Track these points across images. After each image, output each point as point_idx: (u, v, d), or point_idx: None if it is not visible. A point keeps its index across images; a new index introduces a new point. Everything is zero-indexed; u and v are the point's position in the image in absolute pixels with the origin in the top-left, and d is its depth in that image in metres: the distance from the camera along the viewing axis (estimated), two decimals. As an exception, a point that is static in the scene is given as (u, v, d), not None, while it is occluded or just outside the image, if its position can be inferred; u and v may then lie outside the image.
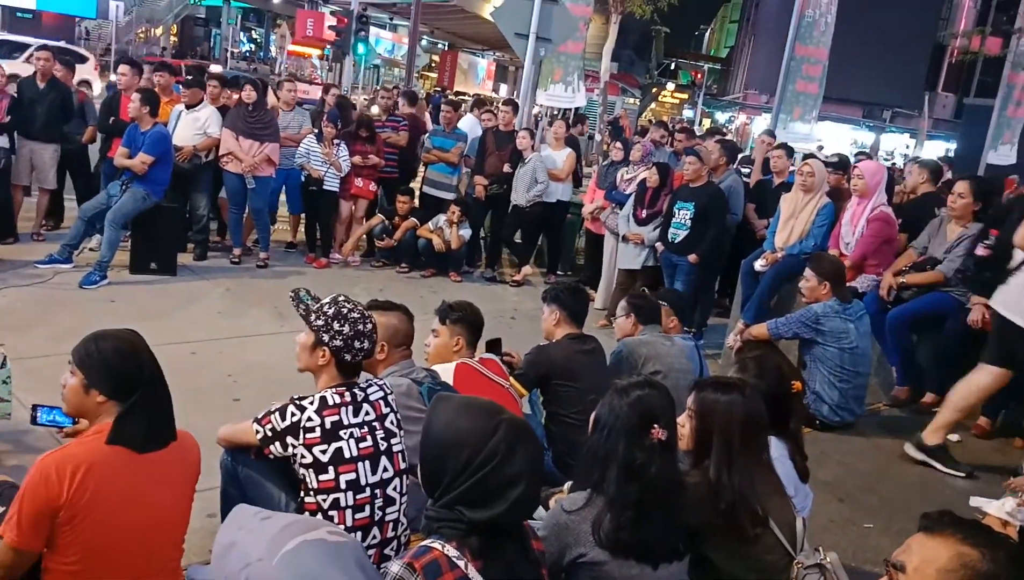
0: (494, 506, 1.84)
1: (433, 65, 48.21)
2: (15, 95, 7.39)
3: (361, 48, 21.27)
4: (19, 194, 7.66)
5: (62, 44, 21.34)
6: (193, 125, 7.65)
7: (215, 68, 23.90)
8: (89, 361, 2.30)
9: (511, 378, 3.84)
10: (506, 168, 8.53)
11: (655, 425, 2.24)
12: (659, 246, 7.23)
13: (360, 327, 2.66)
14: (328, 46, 24.40)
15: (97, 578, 2.22)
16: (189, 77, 9.30)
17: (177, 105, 7.82)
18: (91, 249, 7.18)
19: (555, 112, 19.81)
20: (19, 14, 32.64)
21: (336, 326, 2.64)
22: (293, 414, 2.58)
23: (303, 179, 8.14)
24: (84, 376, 2.30)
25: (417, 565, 1.75)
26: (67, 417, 2.61)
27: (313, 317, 2.66)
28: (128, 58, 9.35)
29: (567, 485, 2.87)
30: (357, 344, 2.66)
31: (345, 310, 2.67)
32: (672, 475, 2.31)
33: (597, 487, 2.28)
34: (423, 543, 1.82)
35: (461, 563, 1.77)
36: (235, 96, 7.88)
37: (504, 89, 49.65)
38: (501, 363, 3.84)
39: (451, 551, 1.79)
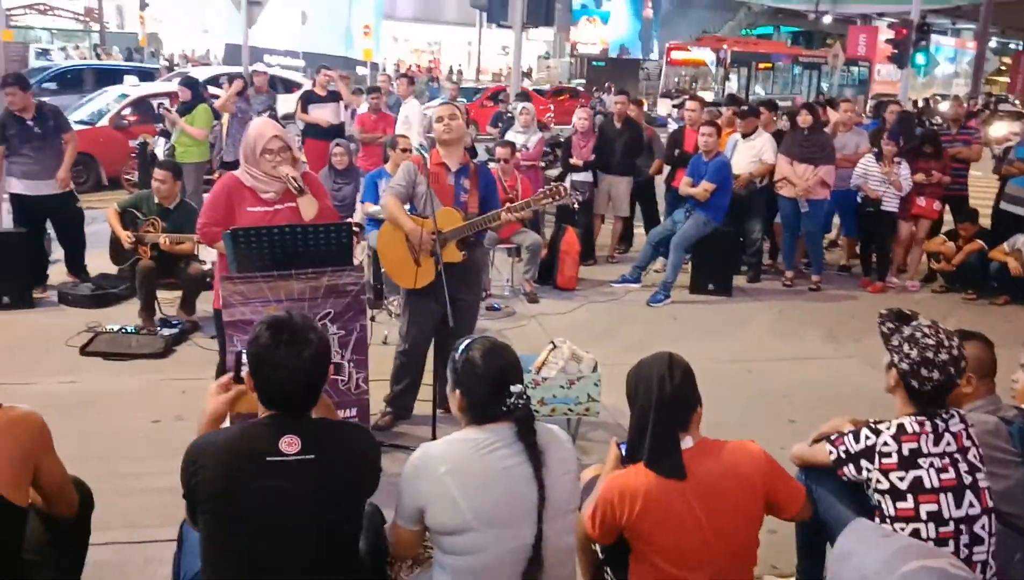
0: None
1: (1003, 69, 42.81)
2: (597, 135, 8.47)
3: (921, 58, 19.82)
4: (598, 222, 8.76)
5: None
6: (749, 153, 7.91)
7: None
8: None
9: None
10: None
11: None
12: None
13: (930, 355, 2.49)
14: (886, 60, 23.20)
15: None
16: (745, 108, 9.64)
17: (733, 134, 8.18)
18: (656, 271, 7.87)
19: None
20: (595, 64, 37.71)
21: (905, 349, 2.52)
22: (868, 437, 2.52)
23: (859, 200, 7.87)
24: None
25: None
26: None
27: (894, 337, 2.56)
28: (694, 95, 10.07)
29: None
30: (924, 371, 2.49)
31: (920, 334, 2.52)
32: None
33: None
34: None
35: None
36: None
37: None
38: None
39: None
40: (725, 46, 28.52)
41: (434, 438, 3.97)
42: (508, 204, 4.55)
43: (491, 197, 4.57)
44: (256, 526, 2.06)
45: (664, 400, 2.42)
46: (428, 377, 4.65)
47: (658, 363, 2.48)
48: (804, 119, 7.59)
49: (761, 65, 29.53)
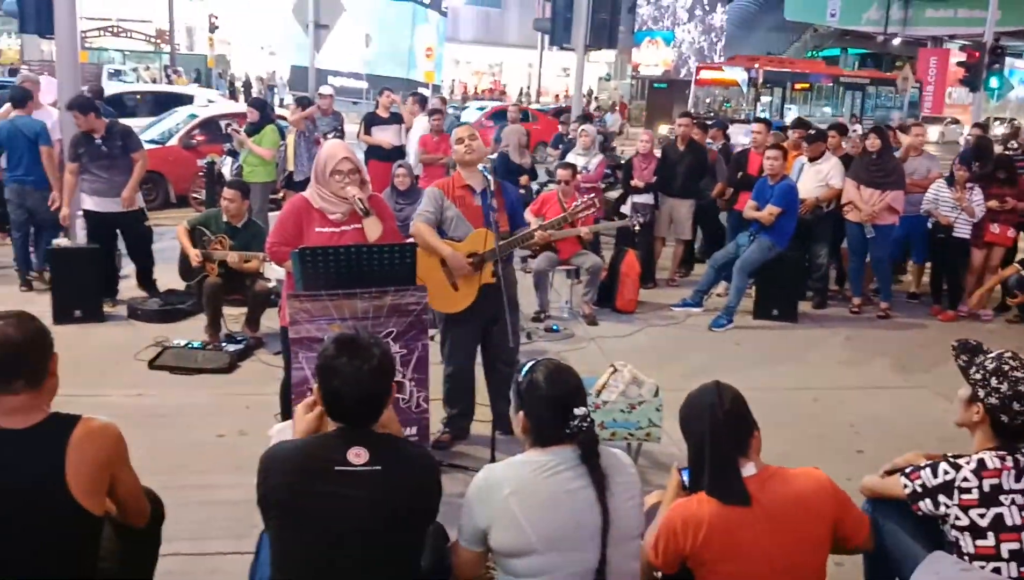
0: None
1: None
2: (659, 157, 8.43)
3: (994, 82, 19.34)
4: (659, 245, 8.68)
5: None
6: (815, 177, 7.77)
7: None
8: None
9: None
10: None
11: None
12: None
13: (1022, 388, 2.41)
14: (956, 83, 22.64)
15: None
16: (811, 132, 9.49)
17: (799, 158, 8.05)
18: (719, 295, 7.76)
19: None
20: (656, 85, 37.53)
21: (994, 382, 2.45)
22: (947, 472, 2.43)
23: (930, 226, 7.66)
24: None
25: None
26: None
27: (973, 370, 2.48)
28: (759, 118, 9.97)
29: None
30: (1016, 406, 2.42)
31: (1007, 367, 2.45)
32: None
33: None
34: None
35: None
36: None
37: None
38: None
39: None
40: (757, 65, 26.77)
41: (493, 460, 3.95)
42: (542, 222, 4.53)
43: (517, 213, 4.57)
44: (322, 533, 2.10)
45: (718, 427, 2.38)
46: (483, 396, 4.65)
47: (707, 393, 2.46)
48: (872, 143, 7.44)
49: (798, 85, 27.50)
